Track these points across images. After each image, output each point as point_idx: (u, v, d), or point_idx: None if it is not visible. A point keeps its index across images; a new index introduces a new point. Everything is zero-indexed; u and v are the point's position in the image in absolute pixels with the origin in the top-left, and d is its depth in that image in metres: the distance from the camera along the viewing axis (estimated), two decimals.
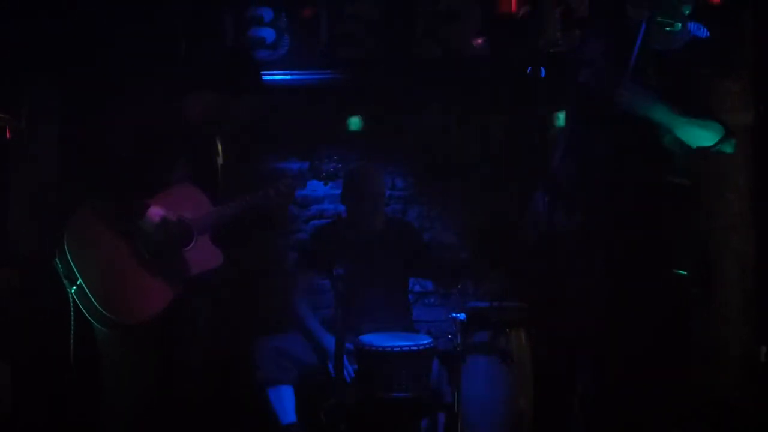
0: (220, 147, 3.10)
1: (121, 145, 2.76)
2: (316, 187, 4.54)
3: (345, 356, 3.40)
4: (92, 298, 2.65)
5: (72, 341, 2.76)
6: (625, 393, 2.92)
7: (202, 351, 3.02)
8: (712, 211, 3.94)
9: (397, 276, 3.98)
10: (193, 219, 2.88)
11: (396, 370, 3.40)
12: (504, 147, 4.49)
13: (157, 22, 4.12)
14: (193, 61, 3.23)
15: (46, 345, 3.52)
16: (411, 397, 3.41)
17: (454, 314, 3.45)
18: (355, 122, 4.52)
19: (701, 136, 2.91)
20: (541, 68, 3.31)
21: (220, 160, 3.09)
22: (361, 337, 3.51)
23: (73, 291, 2.67)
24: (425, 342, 3.48)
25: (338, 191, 4.08)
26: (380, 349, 3.41)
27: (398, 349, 3.40)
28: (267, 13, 4.27)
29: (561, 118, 3.21)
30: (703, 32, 3.04)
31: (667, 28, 2.86)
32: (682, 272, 2.93)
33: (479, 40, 4.16)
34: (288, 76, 4.27)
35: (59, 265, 2.69)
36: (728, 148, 2.94)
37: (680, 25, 2.87)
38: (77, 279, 2.65)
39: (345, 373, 3.48)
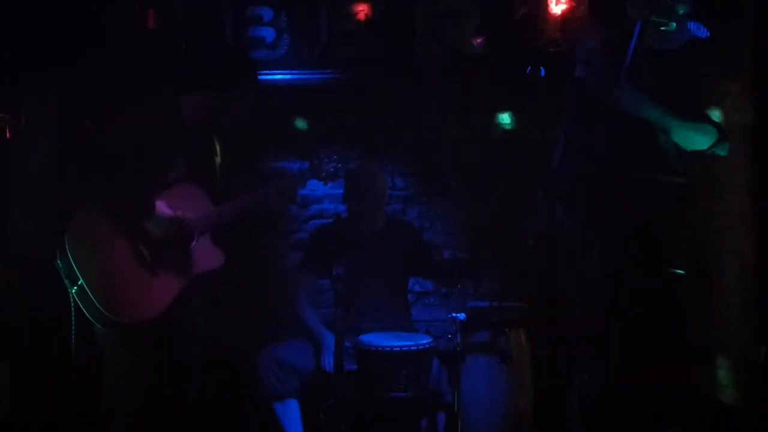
0: (218, 146, 3.10)
1: (120, 144, 2.76)
2: (316, 187, 4.54)
3: (343, 356, 3.41)
4: (93, 298, 2.65)
5: (73, 341, 2.76)
6: (624, 393, 2.92)
7: (202, 351, 3.02)
8: (711, 212, 3.94)
9: (397, 276, 3.98)
10: (194, 219, 2.88)
11: (396, 370, 3.40)
12: (504, 147, 4.49)
13: (156, 22, 4.12)
14: (192, 61, 3.23)
15: (46, 345, 3.51)
16: (410, 397, 3.41)
17: (453, 314, 3.45)
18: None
19: (695, 139, 2.91)
20: (541, 68, 3.31)
21: (218, 160, 3.09)
22: (360, 337, 3.51)
23: (74, 291, 2.67)
24: (425, 342, 3.48)
25: (338, 191, 4.08)
26: (380, 348, 3.41)
27: (398, 349, 3.40)
28: (266, 13, 4.27)
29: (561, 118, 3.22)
30: (703, 32, 3.04)
31: (662, 28, 2.86)
32: (680, 271, 2.93)
33: (479, 40, 4.16)
34: (288, 76, 4.27)
35: (61, 266, 2.69)
36: (722, 152, 2.94)
37: (675, 24, 2.86)
38: (78, 279, 2.65)
39: (342, 369, 3.48)
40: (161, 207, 2.78)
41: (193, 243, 2.87)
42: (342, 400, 3.40)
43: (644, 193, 2.92)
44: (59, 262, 2.69)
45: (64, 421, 3.58)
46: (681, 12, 2.88)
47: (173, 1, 4.19)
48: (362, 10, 4.21)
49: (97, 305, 2.65)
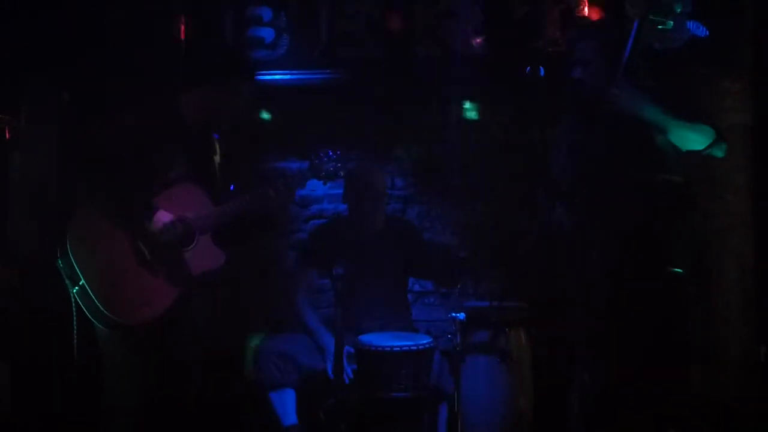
0: (217, 146, 3.10)
1: (120, 144, 2.76)
2: (315, 187, 4.54)
3: (344, 358, 3.40)
4: (94, 299, 2.66)
5: (75, 341, 2.76)
6: (624, 393, 2.92)
7: (202, 351, 3.02)
8: (711, 212, 3.94)
9: (397, 275, 3.98)
10: (194, 219, 2.88)
11: (396, 370, 3.40)
12: (504, 147, 4.49)
13: (156, 22, 4.12)
14: (192, 61, 3.24)
15: (46, 345, 3.51)
16: (410, 397, 3.41)
17: (453, 314, 3.45)
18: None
19: (692, 139, 2.91)
20: (541, 68, 3.31)
21: (218, 159, 3.09)
22: (360, 337, 3.51)
23: (75, 291, 2.68)
24: (425, 342, 3.48)
25: (338, 191, 4.08)
26: (380, 348, 3.41)
27: (398, 348, 3.40)
28: (266, 13, 4.27)
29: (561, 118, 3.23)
30: (703, 31, 3.05)
31: (660, 27, 2.86)
32: (678, 270, 2.94)
33: (479, 40, 4.16)
34: (287, 76, 4.27)
35: (62, 265, 2.69)
36: (719, 153, 2.94)
37: (672, 23, 2.87)
38: (80, 279, 2.66)
39: (344, 375, 3.48)
40: (167, 208, 2.78)
41: (195, 243, 2.87)
42: (342, 400, 3.39)
43: (643, 193, 2.92)
44: (60, 261, 2.69)
45: (64, 421, 3.58)
46: (678, 11, 2.89)
47: (173, 1, 4.19)
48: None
49: (99, 305, 2.66)
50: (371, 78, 4.30)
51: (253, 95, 3.07)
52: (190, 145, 2.95)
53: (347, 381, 3.52)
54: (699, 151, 2.92)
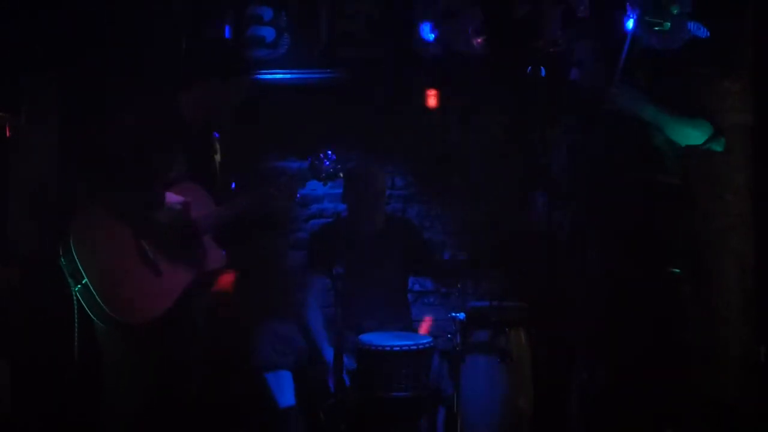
0: (218, 145, 3.10)
1: (120, 144, 2.76)
2: (315, 187, 4.53)
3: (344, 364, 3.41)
4: (97, 297, 2.65)
5: (76, 340, 2.76)
6: (624, 393, 2.93)
7: (202, 351, 3.02)
8: (711, 212, 3.94)
9: (397, 275, 3.98)
10: (196, 218, 2.88)
11: (396, 370, 3.40)
12: (504, 147, 4.49)
13: (156, 22, 4.12)
14: (193, 60, 3.23)
15: (46, 345, 3.51)
16: (410, 397, 3.41)
17: (453, 314, 3.45)
18: None
19: (690, 134, 2.93)
20: (541, 68, 3.32)
21: (218, 158, 3.09)
22: (361, 337, 3.51)
23: (77, 289, 2.67)
24: (425, 341, 3.48)
25: (338, 191, 4.08)
26: (380, 348, 3.41)
27: (398, 348, 3.40)
28: (267, 12, 4.27)
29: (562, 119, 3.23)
30: (703, 32, 3.05)
31: (656, 28, 2.88)
32: (676, 270, 2.94)
33: (479, 40, 4.16)
34: (288, 75, 4.27)
35: (64, 263, 2.69)
36: (717, 147, 2.96)
37: (669, 24, 2.88)
38: (83, 278, 2.65)
39: (344, 376, 3.48)
40: (170, 199, 2.78)
41: (197, 243, 2.87)
42: (342, 400, 3.40)
43: (643, 194, 2.93)
44: (63, 260, 2.69)
45: (64, 420, 3.58)
46: (676, 12, 2.90)
47: (173, 1, 4.19)
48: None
49: (101, 304, 2.65)
50: (371, 78, 4.30)
51: (251, 93, 3.07)
52: (190, 145, 2.94)
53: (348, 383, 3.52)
54: (698, 146, 2.94)
